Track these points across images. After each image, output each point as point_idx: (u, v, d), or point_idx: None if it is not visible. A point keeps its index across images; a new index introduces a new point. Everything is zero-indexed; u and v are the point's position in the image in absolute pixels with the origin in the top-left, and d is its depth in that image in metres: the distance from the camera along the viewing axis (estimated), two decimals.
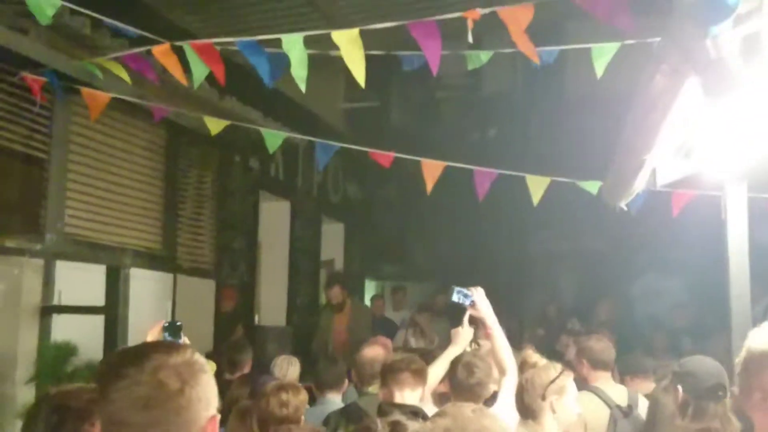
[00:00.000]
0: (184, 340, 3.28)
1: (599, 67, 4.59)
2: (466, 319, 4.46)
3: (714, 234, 4.51)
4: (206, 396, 1.74)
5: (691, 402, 3.66)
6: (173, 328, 3.24)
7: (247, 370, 6.19)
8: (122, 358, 1.76)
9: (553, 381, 3.70)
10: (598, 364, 5.14)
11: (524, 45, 4.03)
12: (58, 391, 2.57)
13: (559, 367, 3.86)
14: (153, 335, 3.12)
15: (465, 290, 4.36)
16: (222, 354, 6.40)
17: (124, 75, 5.09)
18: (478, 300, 4.33)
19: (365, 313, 9.47)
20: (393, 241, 13.48)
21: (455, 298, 4.32)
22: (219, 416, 1.78)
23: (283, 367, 6.15)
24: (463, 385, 4.21)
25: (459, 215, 12.28)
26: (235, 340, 7.74)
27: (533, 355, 4.61)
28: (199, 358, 1.79)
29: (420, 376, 4.08)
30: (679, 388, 3.73)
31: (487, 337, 4.36)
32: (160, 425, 1.67)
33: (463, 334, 4.48)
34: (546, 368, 3.87)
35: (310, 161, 11.08)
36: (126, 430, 1.67)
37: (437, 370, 4.41)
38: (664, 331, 8.99)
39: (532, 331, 9.71)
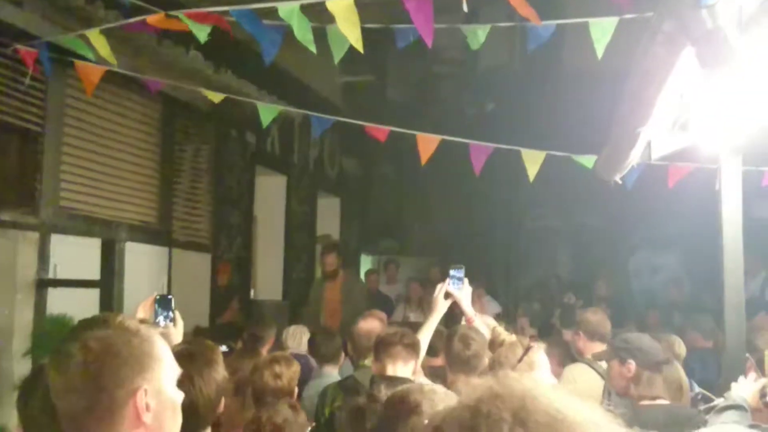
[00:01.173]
0: (176, 313, 3.29)
1: (599, 48, 4.53)
2: (440, 289, 4.51)
3: (709, 208, 4.52)
4: (126, 366, 1.76)
5: (643, 374, 3.90)
6: (164, 302, 3.24)
7: (269, 345, 6.19)
8: (71, 331, 1.87)
9: (521, 358, 3.78)
10: (594, 336, 5.19)
11: (525, 10, 4.00)
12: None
13: (526, 342, 3.96)
14: (145, 308, 3.12)
15: (458, 273, 4.45)
16: (245, 331, 6.42)
17: (108, 54, 5.00)
18: (462, 295, 4.48)
19: (358, 284, 9.48)
20: (389, 216, 13.50)
21: (451, 287, 4.43)
22: (148, 388, 1.77)
23: (296, 336, 6.17)
24: (460, 357, 4.23)
25: (455, 190, 12.28)
26: (258, 316, 7.76)
27: (502, 333, 4.64)
28: (130, 327, 1.81)
29: (412, 349, 4.09)
30: (632, 362, 3.91)
31: (468, 323, 4.47)
32: (76, 392, 1.74)
33: (440, 302, 4.51)
34: (514, 345, 3.96)
35: (307, 136, 11.06)
36: (54, 395, 1.79)
37: (422, 338, 4.43)
38: (657, 307, 9.05)
39: (528, 305, 9.75)
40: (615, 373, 4.03)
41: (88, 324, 1.84)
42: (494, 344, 4.33)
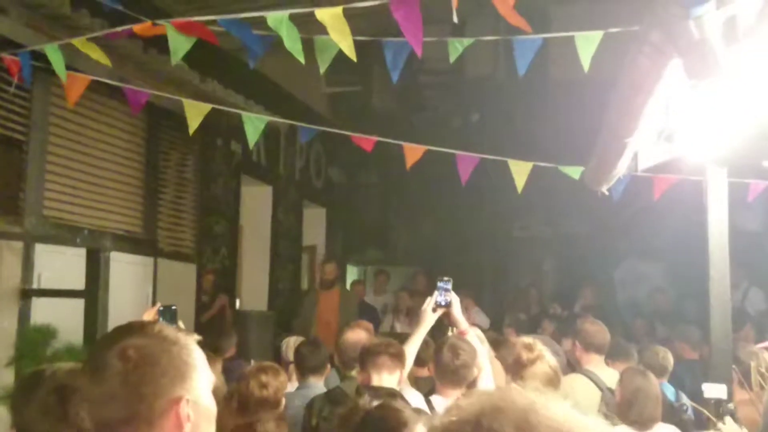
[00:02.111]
0: (180, 324, 3.27)
1: (585, 61, 4.54)
2: (428, 302, 4.49)
3: (695, 219, 4.54)
4: (166, 375, 1.73)
5: None
6: (169, 313, 3.24)
7: (229, 355, 6.18)
8: (101, 339, 1.85)
9: None
10: (590, 347, 5.19)
11: (515, 20, 4.01)
12: (55, 372, 2.51)
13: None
14: (148, 317, 3.10)
15: (445, 285, 4.44)
16: (205, 339, 6.39)
17: (101, 56, 4.99)
18: (453, 306, 4.45)
19: (353, 296, 9.55)
20: (375, 226, 13.49)
21: (440, 299, 4.42)
22: (188, 397, 1.74)
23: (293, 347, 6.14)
24: (448, 367, 4.22)
25: (442, 200, 12.29)
26: (219, 325, 7.77)
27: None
28: (169, 336, 1.79)
29: (398, 359, 4.08)
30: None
31: (462, 335, 4.45)
32: (114, 401, 1.70)
33: (428, 315, 4.49)
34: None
35: (292, 146, 11.05)
36: (88, 405, 1.76)
37: (409, 350, 4.42)
38: (643, 317, 9.08)
39: (514, 315, 9.74)
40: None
41: (124, 331, 1.80)
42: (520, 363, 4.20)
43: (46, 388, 2.42)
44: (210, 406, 1.82)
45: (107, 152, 7.34)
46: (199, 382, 1.79)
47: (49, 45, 5.09)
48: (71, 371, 2.48)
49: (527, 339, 4.18)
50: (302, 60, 4.34)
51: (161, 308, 3.24)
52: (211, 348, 6.15)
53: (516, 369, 3.92)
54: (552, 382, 3.87)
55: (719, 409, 3.69)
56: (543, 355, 4.01)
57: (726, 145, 3.84)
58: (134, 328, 1.81)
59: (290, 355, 6.06)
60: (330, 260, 9.37)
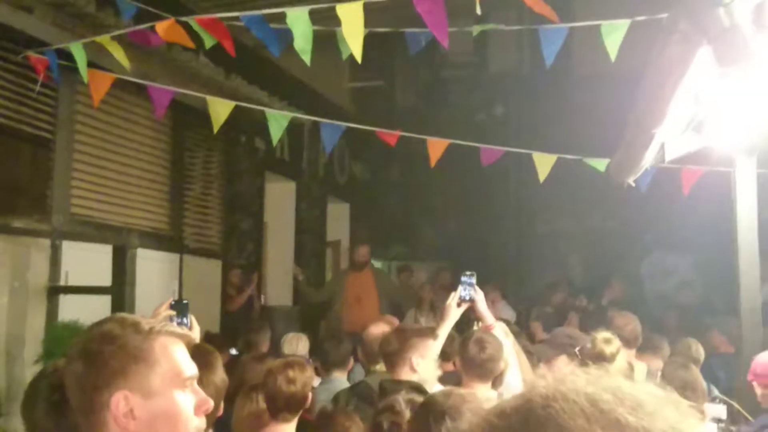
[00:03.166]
0: (191, 318, 3.27)
1: (612, 50, 4.49)
2: (453, 296, 4.48)
3: (723, 211, 4.49)
4: (107, 368, 1.69)
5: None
6: (180, 306, 3.24)
7: (264, 349, 6.21)
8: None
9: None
10: (620, 341, 5.14)
11: (541, 8, 3.98)
12: (58, 369, 2.54)
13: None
14: (159, 312, 3.11)
15: (469, 279, 4.43)
16: (239, 335, 6.48)
17: (122, 57, 5.01)
18: (477, 301, 4.44)
19: (386, 274, 9.77)
20: (399, 221, 13.47)
21: (464, 294, 4.40)
22: (129, 392, 1.68)
23: (293, 343, 6.15)
24: (474, 360, 4.20)
25: (465, 195, 12.26)
26: (247, 320, 7.84)
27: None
28: (114, 329, 1.73)
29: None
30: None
31: (488, 330, 4.43)
32: (73, 392, 1.75)
33: (453, 310, 4.48)
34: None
35: (316, 142, 11.03)
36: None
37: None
38: (675, 309, 8.99)
39: (541, 309, 9.69)
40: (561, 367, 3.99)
41: (97, 323, 1.81)
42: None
43: (49, 385, 2.43)
44: (173, 405, 1.71)
45: (133, 149, 7.38)
46: (154, 376, 1.70)
47: (74, 43, 5.13)
48: None
49: (605, 333, 4.18)
50: (308, 62, 4.34)
51: (173, 302, 3.25)
52: (244, 343, 6.21)
53: (597, 363, 3.90)
54: (629, 377, 3.85)
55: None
56: (621, 348, 4.01)
57: (755, 135, 3.79)
58: (106, 319, 1.79)
59: (285, 350, 6.08)
60: (363, 243, 9.56)
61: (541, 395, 0.90)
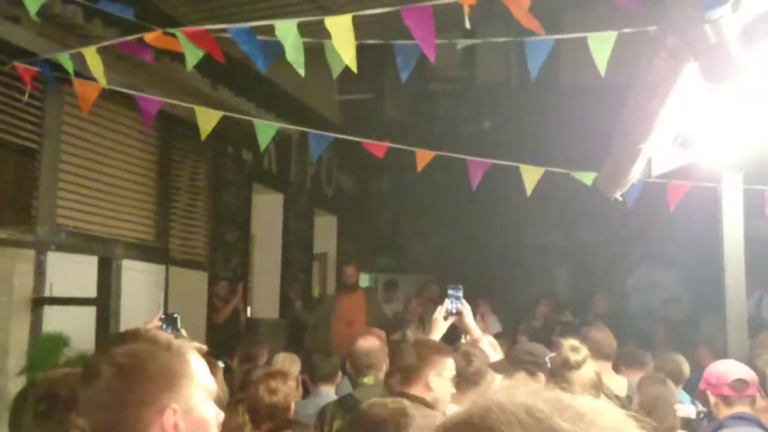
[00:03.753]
0: (182, 331, 3.25)
1: (601, 64, 4.48)
2: (439, 310, 4.47)
3: (709, 226, 4.50)
4: (151, 383, 1.70)
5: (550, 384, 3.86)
6: (170, 320, 3.23)
7: (262, 362, 6.17)
8: (99, 345, 1.85)
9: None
10: (598, 355, 5.13)
11: (528, 22, 3.99)
12: (45, 379, 2.53)
13: None
14: (150, 327, 3.09)
15: (456, 293, 4.42)
16: (226, 347, 6.45)
17: (100, 71, 4.97)
18: (465, 314, 4.42)
19: (377, 297, 9.70)
20: (386, 233, 13.46)
21: (450, 307, 4.40)
22: (177, 407, 1.70)
23: (285, 365, 6.13)
24: (462, 374, 4.18)
25: (453, 208, 12.26)
26: (248, 333, 7.82)
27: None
28: (158, 342, 1.76)
29: None
30: (541, 374, 3.90)
31: (475, 343, 4.41)
32: (102, 409, 1.70)
33: (440, 323, 4.47)
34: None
35: (304, 153, 11.04)
36: (81, 411, 1.78)
37: None
38: (663, 324, 9.01)
39: (527, 323, 9.70)
40: (521, 385, 3.94)
41: (118, 338, 1.80)
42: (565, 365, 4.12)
43: (36, 396, 2.43)
44: (207, 416, 1.77)
45: (120, 160, 7.35)
46: (194, 390, 1.75)
47: (61, 54, 5.11)
48: (63, 377, 2.49)
49: (573, 341, 4.15)
50: (302, 73, 4.34)
51: (163, 316, 3.24)
52: (242, 356, 6.17)
53: (562, 372, 3.88)
54: (596, 387, 3.83)
55: None
56: (588, 359, 3.98)
57: (741, 151, 3.80)
58: (128, 335, 1.79)
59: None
60: (350, 263, 9.52)
61: (479, 407, 0.91)
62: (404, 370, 3.97)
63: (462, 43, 5.02)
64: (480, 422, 0.89)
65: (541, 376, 3.85)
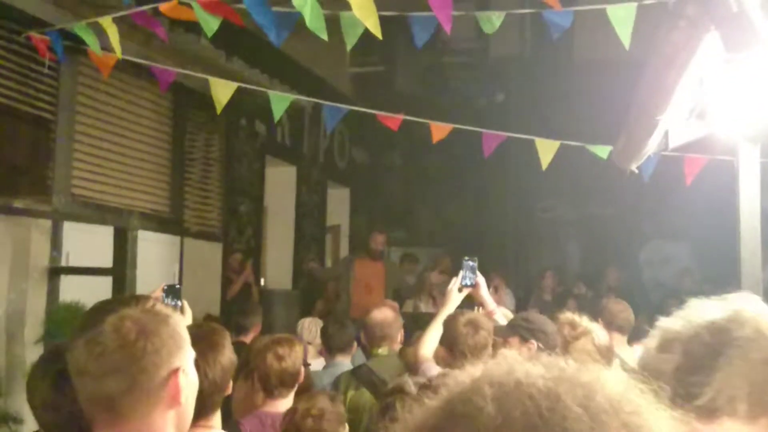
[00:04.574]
0: (183, 302, 3.28)
1: (624, 37, 4.42)
2: (454, 281, 4.49)
3: (724, 200, 4.48)
4: (165, 347, 1.76)
5: (542, 356, 3.83)
6: (173, 291, 3.27)
7: (254, 334, 6.20)
8: (90, 312, 1.91)
9: None
10: (612, 326, 5.15)
11: None
12: (64, 347, 2.54)
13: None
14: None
15: (471, 265, 4.44)
16: (230, 318, 6.45)
17: (116, 42, 4.97)
18: (479, 286, 4.48)
19: (397, 271, 9.83)
20: (399, 206, 13.47)
21: (465, 280, 4.41)
22: (183, 368, 1.78)
23: (312, 330, 6.16)
24: (466, 344, 4.19)
25: (466, 181, 12.26)
26: (242, 304, 7.81)
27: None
28: (162, 310, 1.83)
29: None
30: (534, 342, 3.87)
31: (490, 315, 4.43)
32: (116, 373, 1.72)
33: (454, 295, 4.48)
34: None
35: (316, 126, 11.04)
36: (86, 378, 1.76)
37: (433, 332, 4.39)
38: (675, 297, 9.01)
39: (538, 296, 9.72)
40: (513, 350, 3.98)
41: (116, 304, 1.82)
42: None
43: (55, 363, 2.43)
44: (195, 379, 1.87)
45: (134, 131, 7.37)
46: (190, 354, 1.84)
47: (77, 24, 5.11)
48: None
49: (570, 315, 4.16)
50: (325, 38, 4.32)
51: (165, 287, 3.28)
52: (234, 327, 6.19)
53: (561, 345, 3.91)
54: (602, 357, 3.84)
55: None
56: (589, 331, 3.99)
57: (760, 123, 3.78)
58: (126, 302, 1.83)
59: (305, 336, 6.09)
60: (381, 232, 9.49)
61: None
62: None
63: (484, 25, 4.95)
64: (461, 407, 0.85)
65: (533, 343, 3.87)
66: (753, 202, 4.20)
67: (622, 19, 4.34)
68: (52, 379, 2.38)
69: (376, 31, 4.06)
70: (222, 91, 5.63)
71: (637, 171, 4.89)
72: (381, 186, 13.31)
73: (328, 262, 11.63)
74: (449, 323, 4.19)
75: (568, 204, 12.37)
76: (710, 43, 2.64)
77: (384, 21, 4.92)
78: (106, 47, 5.34)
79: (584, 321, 4.09)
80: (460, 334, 4.05)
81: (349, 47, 4.62)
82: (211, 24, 4.55)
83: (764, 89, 3.15)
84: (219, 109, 5.46)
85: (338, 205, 12.32)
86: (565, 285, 10.39)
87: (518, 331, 3.97)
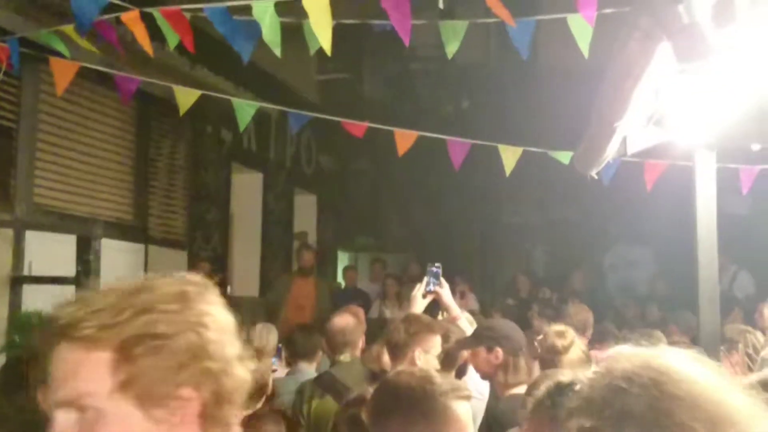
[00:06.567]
0: None
1: (583, 45, 4.49)
2: (418, 287, 4.53)
3: (684, 204, 4.56)
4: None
5: (509, 360, 3.98)
6: None
7: None
8: None
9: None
10: (575, 330, 5.21)
11: (500, 11, 4.02)
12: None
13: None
14: None
15: (436, 271, 4.49)
16: None
17: (88, 44, 4.96)
18: (443, 292, 4.54)
19: (327, 287, 9.56)
20: (366, 212, 13.50)
21: (429, 286, 4.46)
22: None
23: (263, 335, 6.14)
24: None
25: (432, 187, 12.31)
26: None
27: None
28: None
29: None
30: (499, 349, 3.96)
31: (454, 321, 4.47)
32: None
33: (418, 301, 4.52)
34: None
35: (283, 133, 11.03)
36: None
37: None
38: (635, 301, 9.13)
39: (503, 300, 9.79)
40: (481, 360, 4.05)
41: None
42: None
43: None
44: None
45: (98, 139, 7.32)
46: None
47: (45, 32, 5.07)
48: None
49: (558, 326, 4.23)
50: (279, 54, 4.34)
51: None
52: None
53: (551, 357, 3.96)
54: (586, 363, 3.89)
55: None
56: (575, 340, 4.06)
57: (714, 129, 3.86)
58: None
59: (256, 342, 6.07)
60: (308, 248, 9.36)
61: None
62: (392, 344, 4.01)
63: (445, 35, 4.98)
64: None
65: (499, 351, 3.92)
66: (710, 207, 4.28)
67: (581, 29, 4.40)
68: (10, 389, 2.38)
69: (327, 47, 4.07)
70: (186, 98, 5.61)
71: (597, 176, 4.95)
72: (348, 192, 13.33)
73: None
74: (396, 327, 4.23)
75: (533, 209, 12.48)
76: (664, 54, 2.70)
77: (350, 29, 4.96)
78: (68, 56, 5.31)
79: (570, 330, 4.17)
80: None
81: (312, 51, 4.62)
82: (174, 34, 4.54)
83: (718, 98, 3.22)
84: (182, 112, 5.44)
85: (305, 211, 12.31)
86: (531, 290, 10.47)
87: (482, 341, 4.02)
